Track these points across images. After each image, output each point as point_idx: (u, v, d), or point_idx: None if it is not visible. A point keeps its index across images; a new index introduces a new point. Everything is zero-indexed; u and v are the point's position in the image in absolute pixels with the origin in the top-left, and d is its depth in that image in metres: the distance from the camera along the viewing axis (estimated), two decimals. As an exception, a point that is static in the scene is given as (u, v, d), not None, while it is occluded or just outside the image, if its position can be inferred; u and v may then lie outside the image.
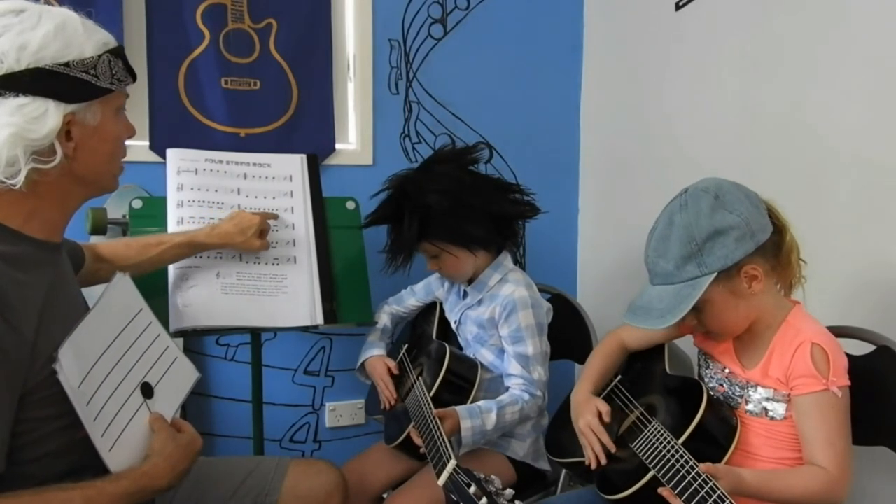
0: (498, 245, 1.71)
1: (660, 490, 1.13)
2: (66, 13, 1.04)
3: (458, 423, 1.51)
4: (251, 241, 1.63)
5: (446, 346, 1.65)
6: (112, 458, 1.04)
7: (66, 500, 0.97)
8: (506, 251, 1.74)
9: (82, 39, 1.02)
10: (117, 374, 1.10)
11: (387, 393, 1.70)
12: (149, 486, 1.06)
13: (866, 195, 1.48)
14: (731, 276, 1.17)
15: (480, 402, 1.57)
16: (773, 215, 1.22)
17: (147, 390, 1.15)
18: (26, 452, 1.01)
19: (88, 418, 1.02)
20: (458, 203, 1.62)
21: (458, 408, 1.54)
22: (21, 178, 0.99)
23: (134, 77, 1.13)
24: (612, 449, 1.30)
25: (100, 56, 1.04)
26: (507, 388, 1.64)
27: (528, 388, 1.61)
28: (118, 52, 1.08)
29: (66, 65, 1.00)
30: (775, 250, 1.21)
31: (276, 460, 1.45)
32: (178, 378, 1.25)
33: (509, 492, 1.04)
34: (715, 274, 1.16)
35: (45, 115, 0.99)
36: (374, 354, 1.78)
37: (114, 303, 1.15)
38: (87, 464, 1.04)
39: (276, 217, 1.74)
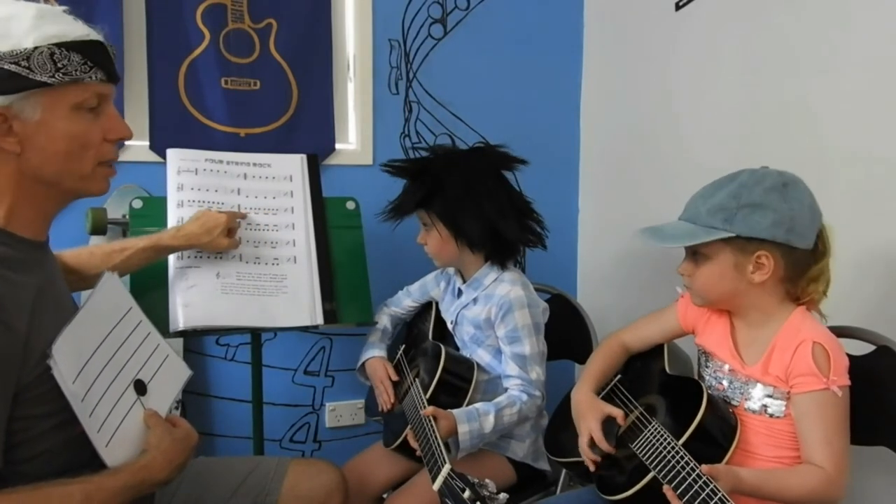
0: (487, 254, 1.69)
1: (664, 489, 1.13)
2: (24, 6, 1.01)
3: (454, 426, 1.50)
4: (218, 240, 1.61)
5: (441, 346, 1.64)
6: (109, 454, 1.05)
7: (64, 494, 0.97)
8: (492, 261, 1.70)
9: (24, 31, 0.99)
10: (110, 372, 1.10)
11: (385, 396, 1.70)
12: (147, 480, 1.06)
13: (867, 194, 1.48)
14: (744, 250, 1.19)
15: (478, 405, 1.57)
16: (821, 239, 1.22)
17: (140, 387, 1.16)
18: (22, 451, 1.01)
19: (84, 414, 1.02)
20: (469, 196, 1.62)
21: (456, 411, 1.53)
22: None
23: (109, 74, 1.07)
24: (609, 450, 1.30)
25: (36, 48, 0.98)
26: (505, 389, 1.64)
27: (526, 389, 1.61)
28: (76, 47, 1.02)
29: None
30: (802, 266, 1.20)
31: (276, 460, 1.45)
32: (171, 375, 1.26)
33: (503, 496, 1.05)
34: (733, 235, 1.17)
35: None
36: (375, 356, 1.78)
37: (103, 301, 1.15)
38: (84, 461, 1.04)
39: (244, 216, 1.72)
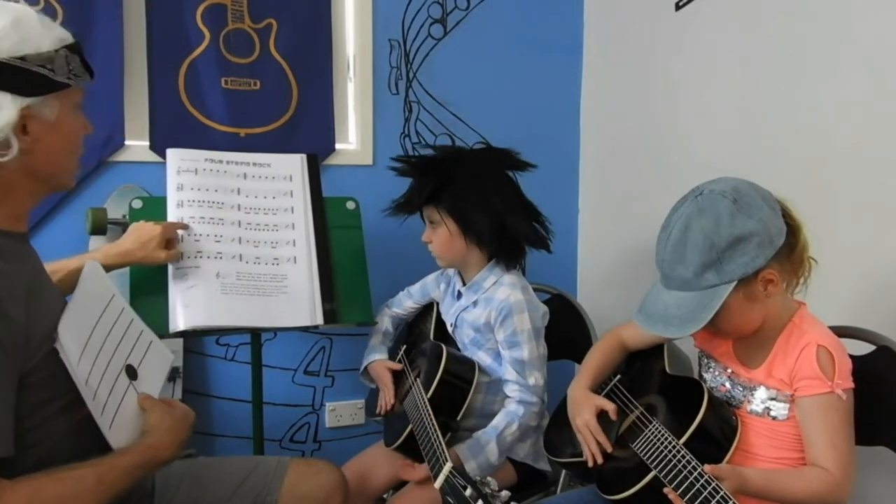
0: (492, 253, 1.68)
1: (665, 490, 1.13)
2: (22, 8, 1.04)
3: (461, 464, 1.49)
4: (154, 253, 1.54)
5: (443, 346, 1.64)
6: (113, 436, 1.08)
7: (78, 478, 1.00)
8: (497, 260, 1.69)
9: (39, 34, 1.03)
10: (104, 357, 1.13)
11: (387, 399, 1.70)
12: (154, 458, 1.10)
13: (869, 195, 1.48)
14: (748, 282, 1.15)
15: (479, 434, 1.57)
16: (786, 215, 1.19)
17: (131, 372, 1.18)
18: (29, 437, 1.03)
19: (88, 396, 1.05)
20: (479, 189, 1.62)
21: (459, 447, 1.53)
22: None
23: (91, 74, 1.12)
24: (609, 448, 1.30)
25: (56, 51, 1.04)
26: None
27: (523, 397, 1.60)
28: (75, 49, 1.09)
29: (23, 58, 1.00)
30: (789, 251, 1.18)
31: (275, 460, 1.45)
32: (157, 360, 1.28)
33: (505, 493, 1.05)
34: (735, 282, 1.14)
35: (1, 109, 0.99)
36: (377, 359, 1.78)
37: (91, 289, 1.18)
38: (90, 446, 1.07)
39: (185, 227, 1.65)
